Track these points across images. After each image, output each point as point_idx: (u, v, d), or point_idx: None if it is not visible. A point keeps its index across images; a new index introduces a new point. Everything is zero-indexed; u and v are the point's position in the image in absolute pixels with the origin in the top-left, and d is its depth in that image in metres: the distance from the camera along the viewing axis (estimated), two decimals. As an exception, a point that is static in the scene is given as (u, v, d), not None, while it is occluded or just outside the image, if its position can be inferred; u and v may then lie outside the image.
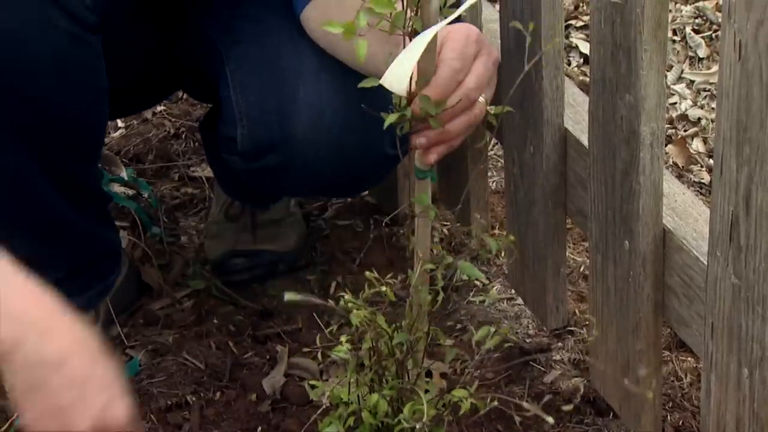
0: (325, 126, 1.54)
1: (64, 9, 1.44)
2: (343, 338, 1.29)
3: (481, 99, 1.30)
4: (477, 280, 1.92)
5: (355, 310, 1.26)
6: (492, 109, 1.26)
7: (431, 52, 1.17)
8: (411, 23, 1.11)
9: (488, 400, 1.26)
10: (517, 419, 1.25)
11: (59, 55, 1.44)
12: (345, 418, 1.30)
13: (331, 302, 1.27)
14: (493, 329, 1.29)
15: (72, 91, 1.48)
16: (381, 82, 1.13)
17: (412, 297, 1.29)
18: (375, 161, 1.60)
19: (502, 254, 1.94)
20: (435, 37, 1.12)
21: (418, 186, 1.29)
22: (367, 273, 1.28)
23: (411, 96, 1.19)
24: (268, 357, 1.76)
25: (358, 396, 1.30)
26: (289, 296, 1.24)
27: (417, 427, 1.23)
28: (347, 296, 1.27)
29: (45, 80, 1.44)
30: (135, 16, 1.67)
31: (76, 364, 1.09)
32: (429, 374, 1.54)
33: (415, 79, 1.19)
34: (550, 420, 1.13)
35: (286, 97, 1.55)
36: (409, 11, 1.10)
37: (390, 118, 1.18)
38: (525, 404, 1.12)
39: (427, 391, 1.29)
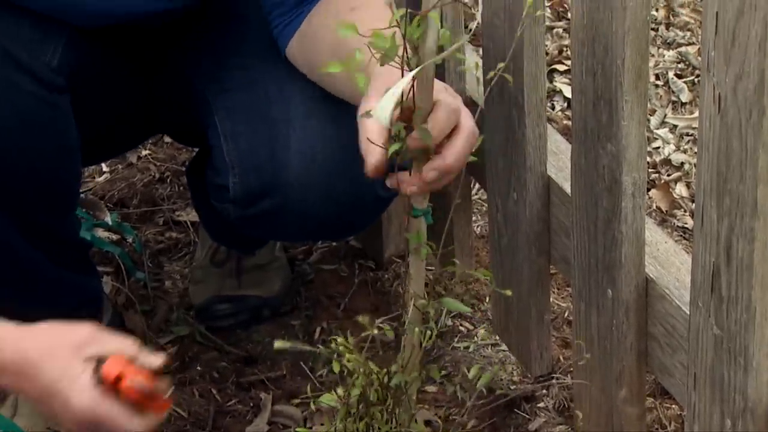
0: (316, 171, 1.55)
1: (29, 72, 1.45)
2: (340, 390, 1.28)
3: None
4: (461, 325, 1.91)
5: (347, 354, 1.26)
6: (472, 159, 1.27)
7: (428, 90, 1.18)
8: (407, 59, 1.12)
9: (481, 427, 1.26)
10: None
11: (25, 118, 1.45)
12: None
13: (320, 348, 1.27)
14: (479, 372, 1.29)
15: (39, 151, 1.49)
16: (367, 111, 1.14)
17: (405, 336, 1.29)
18: (367, 203, 1.60)
19: (487, 300, 1.94)
20: (432, 74, 1.14)
21: (414, 224, 1.29)
22: (360, 318, 1.28)
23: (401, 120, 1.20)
24: (251, 404, 1.75)
25: None
26: (278, 344, 1.26)
27: None
28: (340, 339, 1.27)
29: (11, 142, 1.45)
30: (108, 71, 1.68)
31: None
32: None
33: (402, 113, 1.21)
34: None
35: (277, 145, 1.56)
36: (407, 49, 1.12)
37: (392, 147, 1.19)
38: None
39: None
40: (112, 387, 1.23)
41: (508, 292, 1.38)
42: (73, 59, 1.51)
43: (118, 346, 1.26)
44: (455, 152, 1.25)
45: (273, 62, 1.60)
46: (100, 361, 1.24)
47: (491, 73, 1.23)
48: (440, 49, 1.13)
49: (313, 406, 1.71)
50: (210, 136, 1.64)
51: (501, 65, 1.21)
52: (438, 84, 1.26)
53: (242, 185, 1.58)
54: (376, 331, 1.25)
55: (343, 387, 1.27)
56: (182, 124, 1.79)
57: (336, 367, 1.25)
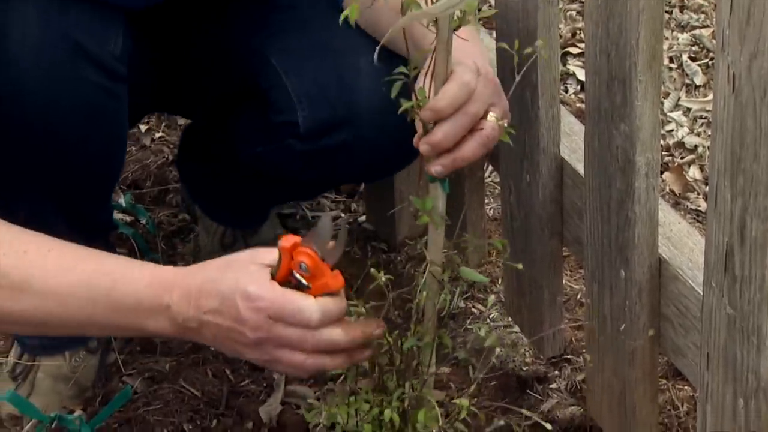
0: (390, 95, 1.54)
1: (95, 62, 1.44)
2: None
3: (492, 117, 1.30)
4: (474, 307, 1.92)
5: (352, 309, 1.27)
6: (505, 123, 1.29)
7: (444, 54, 1.18)
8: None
9: (495, 420, 1.26)
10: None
11: (89, 109, 1.45)
12: None
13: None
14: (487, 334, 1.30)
15: (98, 141, 1.50)
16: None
17: (419, 301, 1.29)
18: None
19: (499, 282, 1.94)
20: (447, 37, 1.16)
21: (430, 190, 1.29)
22: (372, 270, 1.29)
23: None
24: (264, 384, 1.76)
25: (356, 411, 1.29)
26: None
27: None
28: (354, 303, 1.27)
29: (74, 132, 1.45)
30: (151, 56, 1.68)
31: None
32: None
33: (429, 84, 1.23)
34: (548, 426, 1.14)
35: (346, 71, 1.55)
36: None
37: (406, 105, 1.23)
38: (525, 412, 1.13)
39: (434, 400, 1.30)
40: (287, 264, 1.23)
41: (519, 266, 1.38)
42: (129, 47, 1.50)
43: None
44: (444, 129, 1.26)
45: (320, 3, 1.59)
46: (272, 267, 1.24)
47: (528, 49, 1.25)
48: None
49: (324, 386, 1.74)
50: (263, 79, 1.62)
51: (529, 50, 1.23)
52: (463, 51, 1.25)
53: (313, 118, 1.57)
54: (384, 278, 1.26)
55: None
56: (221, 85, 1.77)
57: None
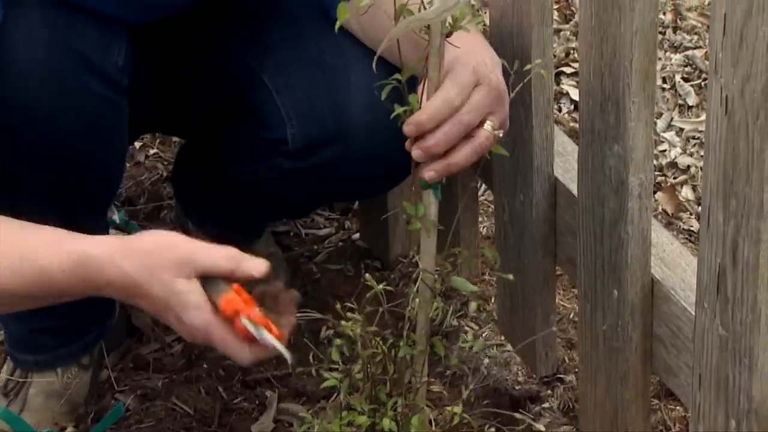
0: (382, 109, 1.54)
1: (99, 74, 1.45)
2: (334, 352, 1.28)
3: (488, 126, 1.31)
4: (467, 326, 1.92)
5: (350, 324, 1.27)
6: (500, 134, 1.30)
7: (435, 58, 1.19)
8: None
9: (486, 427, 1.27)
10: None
11: (93, 121, 1.46)
12: None
13: (328, 317, 1.28)
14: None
15: (100, 153, 1.50)
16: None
17: (412, 310, 1.29)
18: None
19: (492, 300, 1.94)
20: (438, 42, 1.17)
21: (423, 197, 1.30)
22: (367, 276, 1.29)
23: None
24: (257, 402, 1.76)
25: (349, 422, 1.29)
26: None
27: None
28: (348, 315, 1.28)
29: (77, 144, 1.46)
30: (148, 70, 1.68)
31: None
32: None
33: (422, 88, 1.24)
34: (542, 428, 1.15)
35: (337, 89, 1.55)
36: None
37: (398, 110, 1.24)
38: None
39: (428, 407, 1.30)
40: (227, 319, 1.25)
41: (510, 276, 1.38)
42: (131, 59, 1.51)
43: (215, 260, 1.26)
44: (437, 136, 1.27)
45: (314, 16, 1.59)
46: (204, 279, 1.25)
47: (527, 66, 1.25)
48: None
49: (317, 404, 1.74)
50: (253, 96, 1.63)
51: (531, 65, 1.24)
52: (472, 53, 1.27)
53: (302, 135, 1.57)
54: (381, 287, 1.26)
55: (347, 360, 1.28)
56: (214, 101, 1.78)
57: (335, 352, 1.26)
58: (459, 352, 1.84)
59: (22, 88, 1.38)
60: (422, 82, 1.26)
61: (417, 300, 1.28)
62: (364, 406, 1.29)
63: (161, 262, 1.26)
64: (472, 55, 1.31)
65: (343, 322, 1.26)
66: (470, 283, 1.31)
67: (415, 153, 1.28)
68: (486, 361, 1.31)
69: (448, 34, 1.18)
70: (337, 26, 1.20)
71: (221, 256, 1.27)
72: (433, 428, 1.28)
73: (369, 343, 1.26)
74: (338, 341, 1.27)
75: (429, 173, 1.28)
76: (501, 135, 1.31)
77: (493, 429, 1.28)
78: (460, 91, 1.27)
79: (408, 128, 1.27)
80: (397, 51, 1.28)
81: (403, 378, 1.30)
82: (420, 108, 1.26)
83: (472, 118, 1.29)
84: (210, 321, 1.25)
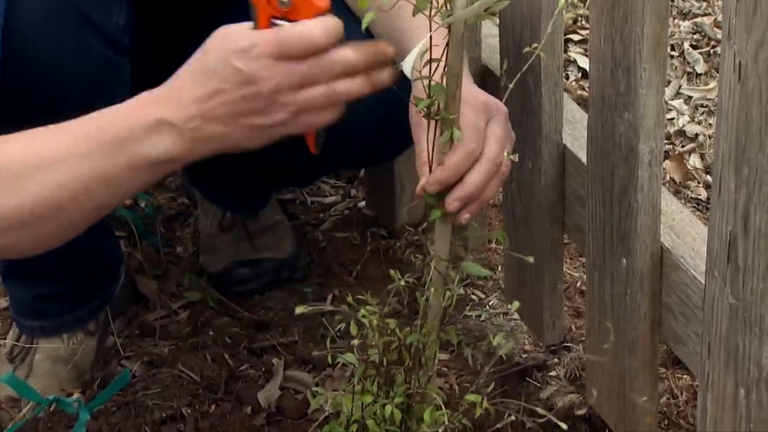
0: None
1: (100, 32, 1.43)
2: (355, 341, 1.27)
3: (506, 154, 1.32)
4: (473, 294, 1.92)
5: (365, 311, 1.26)
6: (515, 158, 1.31)
7: (457, 49, 1.18)
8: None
9: (505, 415, 1.27)
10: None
11: (94, 80, 1.44)
12: (347, 425, 1.30)
13: (340, 308, 1.28)
14: (502, 340, 1.30)
15: None
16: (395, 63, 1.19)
17: (424, 297, 1.29)
18: None
19: (499, 269, 1.94)
20: (461, 32, 1.15)
21: (437, 227, 1.31)
22: (391, 272, 1.28)
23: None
24: (263, 369, 1.76)
25: (361, 404, 1.29)
26: (298, 309, 1.27)
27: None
28: (358, 298, 1.27)
29: (79, 102, 1.44)
30: (149, 35, 1.67)
31: None
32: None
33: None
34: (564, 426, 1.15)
35: None
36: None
37: (423, 103, 1.20)
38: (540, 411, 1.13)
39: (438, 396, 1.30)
40: (267, 15, 1.16)
41: (530, 259, 1.37)
42: (131, 19, 1.50)
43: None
44: (473, 181, 1.27)
45: None
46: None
47: (526, 49, 1.24)
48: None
49: (323, 372, 1.74)
50: None
51: (535, 45, 1.23)
52: (468, 92, 1.26)
53: None
54: (403, 283, 1.25)
55: (360, 350, 1.28)
56: None
57: (353, 329, 1.26)
58: (465, 321, 1.84)
59: (22, 45, 1.37)
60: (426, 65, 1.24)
61: (432, 289, 1.28)
62: (374, 388, 1.29)
63: (208, 40, 1.19)
64: (473, 88, 1.31)
65: (361, 311, 1.25)
66: (479, 266, 1.31)
67: (454, 205, 1.27)
68: (496, 340, 1.31)
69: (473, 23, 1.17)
70: (363, 25, 1.17)
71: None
72: (446, 418, 1.28)
73: (384, 331, 1.26)
74: (354, 328, 1.27)
75: (465, 216, 1.28)
76: (516, 158, 1.32)
77: (511, 417, 1.27)
78: (476, 137, 1.27)
79: (432, 187, 1.26)
80: (392, 29, 1.27)
81: (417, 364, 1.29)
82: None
83: (502, 156, 1.30)
84: (264, 30, 1.15)
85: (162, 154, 1.18)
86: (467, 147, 1.27)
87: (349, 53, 1.17)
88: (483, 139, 1.29)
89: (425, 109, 1.21)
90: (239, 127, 1.17)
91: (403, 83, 1.26)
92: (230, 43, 1.16)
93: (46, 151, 1.20)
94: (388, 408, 1.25)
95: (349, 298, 1.28)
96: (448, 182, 1.27)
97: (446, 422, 1.23)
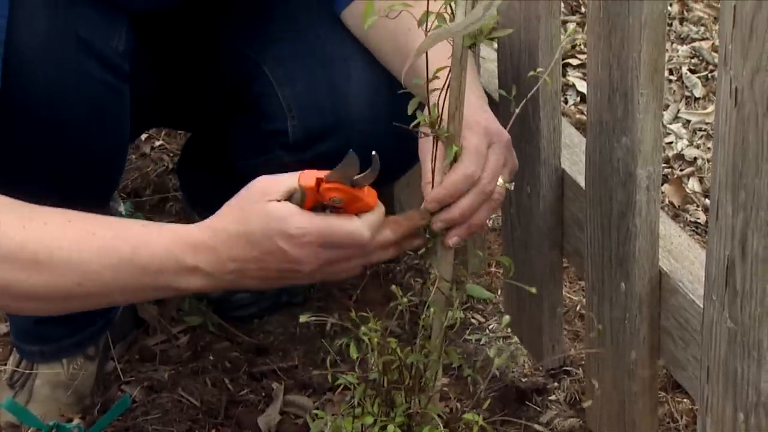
0: (381, 101, 1.54)
1: (100, 58, 1.44)
2: (353, 353, 1.27)
3: (500, 182, 1.34)
4: (473, 318, 1.92)
5: (365, 328, 1.26)
6: (511, 187, 1.33)
7: (461, 68, 1.20)
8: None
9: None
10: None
11: (94, 106, 1.45)
12: None
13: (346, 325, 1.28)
14: (497, 356, 1.30)
15: (101, 138, 1.49)
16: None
17: (425, 317, 1.30)
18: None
19: (499, 293, 1.94)
20: (465, 53, 1.18)
21: (438, 250, 1.32)
22: (393, 287, 1.30)
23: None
24: (263, 394, 1.76)
25: (361, 425, 1.29)
26: (303, 318, 1.28)
27: None
28: (358, 316, 1.27)
29: (78, 128, 1.45)
30: (149, 59, 1.68)
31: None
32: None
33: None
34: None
35: (337, 82, 1.56)
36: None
37: (420, 117, 1.24)
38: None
39: (439, 416, 1.30)
40: (314, 199, 1.22)
41: (533, 290, 1.37)
42: (131, 45, 1.51)
43: (292, 177, 1.25)
44: (460, 206, 1.30)
45: (316, 9, 1.59)
46: (289, 195, 1.23)
47: (531, 73, 1.26)
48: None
49: (323, 396, 1.74)
50: (254, 87, 1.63)
51: (540, 69, 1.24)
52: (472, 116, 1.28)
53: (303, 126, 1.57)
54: (405, 300, 1.26)
55: (360, 369, 1.28)
56: (216, 93, 1.77)
57: (353, 351, 1.26)
58: (465, 345, 1.84)
59: (21, 69, 1.37)
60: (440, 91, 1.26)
61: (432, 308, 1.28)
62: (375, 408, 1.29)
63: (248, 201, 1.24)
64: (477, 111, 1.33)
65: (362, 329, 1.26)
66: (483, 289, 1.31)
67: (437, 225, 1.30)
68: (496, 360, 1.32)
69: (471, 46, 1.19)
70: (366, 25, 1.20)
71: (295, 174, 1.25)
72: (443, 429, 1.28)
73: (385, 351, 1.26)
74: (353, 350, 1.27)
75: (453, 239, 1.31)
76: (512, 186, 1.34)
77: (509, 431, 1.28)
78: (477, 161, 1.30)
79: (430, 205, 1.29)
80: (403, 47, 1.28)
81: (417, 383, 1.30)
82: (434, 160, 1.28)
83: (492, 186, 1.32)
84: (312, 216, 1.22)
85: (191, 290, 1.27)
86: (466, 169, 1.29)
87: (389, 236, 1.26)
88: (483, 164, 1.30)
89: (426, 126, 1.22)
90: (269, 283, 1.28)
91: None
92: (278, 222, 1.22)
93: (74, 248, 1.25)
94: (390, 428, 1.25)
95: (352, 313, 1.28)
96: (445, 202, 1.29)
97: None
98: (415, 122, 1.23)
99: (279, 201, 1.23)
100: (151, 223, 1.30)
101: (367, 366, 1.28)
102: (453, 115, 1.22)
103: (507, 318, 1.38)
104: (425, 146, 1.31)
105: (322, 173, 1.24)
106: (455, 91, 1.21)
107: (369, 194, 1.26)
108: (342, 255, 1.25)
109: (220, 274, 1.25)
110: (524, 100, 1.33)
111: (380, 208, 1.27)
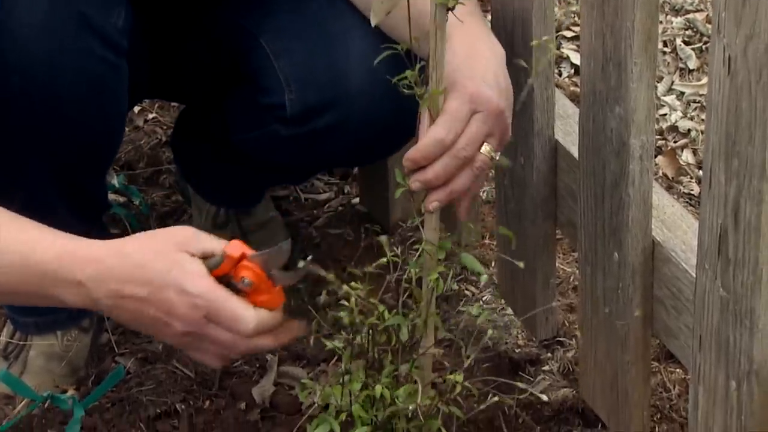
0: (381, 76, 1.53)
1: (100, 34, 1.44)
2: (343, 314, 1.26)
3: (485, 149, 1.34)
4: (466, 290, 1.92)
5: (348, 287, 1.26)
6: (498, 157, 1.34)
7: (440, 28, 1.20)
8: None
9: (488, 396, 1.27)
10: (506, 429, 1.25)
11: (93, 82, 1.45)
12: (336, 416, 1.30)
13: (330, 275, 1.27)
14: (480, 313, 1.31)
15: (100, 115, 1.49)
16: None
17: (407, 277, 1.30)
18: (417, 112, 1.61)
19: (492, 264, 1.94)
20: (443, 15, 1.18)
21: (425, 219, 1.33)
22: (381, 238, 1.30)
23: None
24: (257, 365, 1.76)
25: (350, 392, 1.29)
26: (301, 263, 1.28)
27: (410, 407, 1.24)
28: (350, 286, 1.27)
29: (77, 103, 1.45)
30: (147, 32, 1.67)
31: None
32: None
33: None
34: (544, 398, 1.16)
35: (336, 56, 1.55)
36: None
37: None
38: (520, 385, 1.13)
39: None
40: (227, 271, 1.23)
41: (521, 264, 1.37)
42: (130, 21, 1.50)
43: (218, 244, 1.26)
44: (434, 169, 1.31)
45: None
46: (205, 256, 1.24)
47: (535, 42, 1.24)
48: None
49: (317, 367, 1.74)
50: (252, 59, 1.62)
51: (547, 38, 1.24)
52: (461, 80, 1.29)
53: (300, 101, 1.56)
54: (389, 253, 1.26)
55: (350, 325, 1.28)
56: (213, 66, 1.77)
57: (346, 314, 1.25)
58: (457, 316, 1.85)
59: (21, 45, 1.37)
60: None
61: (413, 270, 1.29)
62: (361, 373, 1.29)
63: (165, 240, 1.26)
64: (470, 72, 1.32)
65: (345, 288, 1.26)
66: (476, 260, 1.32)
67: (414, 185, 1.32)
68: (489, 332, 1.33)
69: (451, 8, 1.18)
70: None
71: (223, 241, 1.27)
72: (434, 395, 1.28)
73: (371, 312, 1.26)
74: (343, 311, 1.27)
75: (433, 204, 1.31)
76: (498, 157, 1.35)
77: (495, 397, 1.28)
78: (451, 127, 1.30)
79: (406, 163, 1.31)
80: (398, 28, 1.28)
81: (405, 346, 1.30)
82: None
83: (469, 152, 1.32)
84: (214, 284, 1.24)
85: (72, 304, 1.27)
86: (438, 133, 1.30)
87: (266, 342, 1.28)
88: (460, 129, 1.30)
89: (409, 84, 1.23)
90: (140, 324, 1.28)
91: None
92: (181, 274, 1.23)
93: None
94: (378, 388, 1.25)
95: (331, 275, 1.27)
96: (419, 163, 1.31)
97: (418, 400, 1.23)
98: (399, 77, 1.23)
99: (193, 256, 1.24)
100: (52, 230, 1.29)
101: (354, 329, 1.28)
102: (431, 76, 1.22)
103: (485, 276, 1.38)
104: (422, 117, 1.31)
105: (249, 250, 1.25)
106: (432, 51, 1.20)
107: (278, 295, 1.26)
108: (215, 335, 1.24)
109: (95, 298, 1.25)
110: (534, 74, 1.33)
111: (278, 315, 1.28)
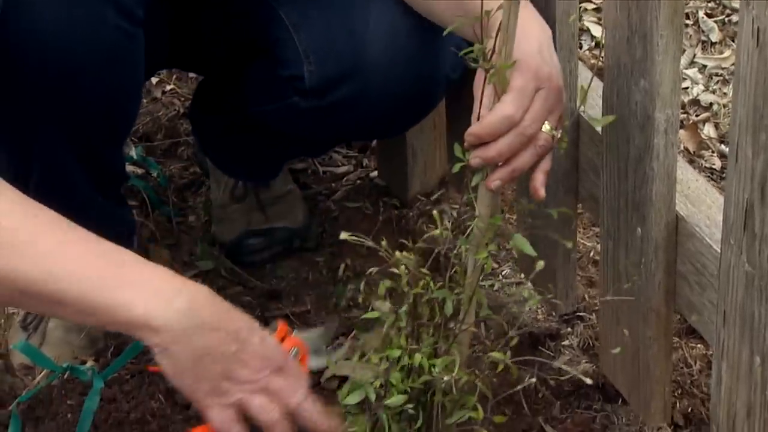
0: (400, 46, 1.52)
1: (113, 3, 1.43)
2: (382, 286, 1.25)
3: (546, 127, 1.32)
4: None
5: (399, 255, 1.25)
6: (558, 134, 1.31)
7: (510, 32, 1.18)
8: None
9: (526, 378, 1.25)
10: (525, 404, 1.24)
11: (109, 51, 1.44)
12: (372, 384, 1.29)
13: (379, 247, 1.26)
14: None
15: (116, 83, 1.48)
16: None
17: (455, 254, 1.29)
18: (438, 83, 1.58)
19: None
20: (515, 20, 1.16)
21: (479, 195, 1.31)
22: (434, 213, 1.29)
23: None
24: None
25: (387, 358, 1.29)
26: (343, 235, 1.28)
27: (445, 378, 1.23)
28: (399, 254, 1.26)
29: (93, 75, 1.44)
30: (164, 3, 1.66)
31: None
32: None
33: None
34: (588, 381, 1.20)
35: (356, 26, 1.54)
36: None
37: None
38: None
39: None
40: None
41: (541, 263, 1.34)
42: None
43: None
44: (497, 147, 1.28)
45: None
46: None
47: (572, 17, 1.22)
48: None
49: (336, 341, 1.74)
50: (271, 31, 1.61)
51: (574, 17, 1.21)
52: (525, 56, 1.26)
53: (319, 72, 1.55)
54: (438, 231, 1.25)
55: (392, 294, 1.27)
56: (232, 37, 1.76)
57: (382, 288, 1.24)
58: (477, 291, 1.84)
59: (36, 15, 1.36)
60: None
61: (464, 246, 1.27)
62: (402, 340, 1.29)
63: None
64: (530, 48, 1.30)
65: (397, 254, 1.25)
66: (529, 244, 1.30)
67: (474, 161, 1.29)
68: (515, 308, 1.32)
69: None
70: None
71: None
72: (473, 370, 1.27)
73: (417, 283, 1.25)
74: (386, 282, 1.26)
75: (495, 183, 1.29)
76: (560, 134, 1.32)
77: (533, 379, 1.27)
78: (520, 104, 1.28)
79: (468, 138, 1.28)
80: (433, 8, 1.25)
81: (446, 321, 1.29)
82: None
83: (534, 129, 1.30)
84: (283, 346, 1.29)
85: (131, 334, 1.26)
86: (505, 110, 1.26)
87: (318, 414, 1.27)
88: (526, 106, 1.28)
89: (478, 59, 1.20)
90: (197, 381, 1.26)
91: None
92: (259, 328, 1.26)
93: (57, 248, 1.23)
94: (417, 357, 1.24)
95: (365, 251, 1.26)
96: (482, 139, 1.27)
97: (454, 373, 1.23)
98: (466, 50, 1.20)
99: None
100: (134, 282, 1.29)
101: (397, 300, 1.28)
102: (500, 50, 1.19)
103: (541, 263, 1.34)
104: (479, 79, 1.28)
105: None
106: (504, 26, 1.17)
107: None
108: (277, 386, 1.24)
109: (165, 346, 1.25)
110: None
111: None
